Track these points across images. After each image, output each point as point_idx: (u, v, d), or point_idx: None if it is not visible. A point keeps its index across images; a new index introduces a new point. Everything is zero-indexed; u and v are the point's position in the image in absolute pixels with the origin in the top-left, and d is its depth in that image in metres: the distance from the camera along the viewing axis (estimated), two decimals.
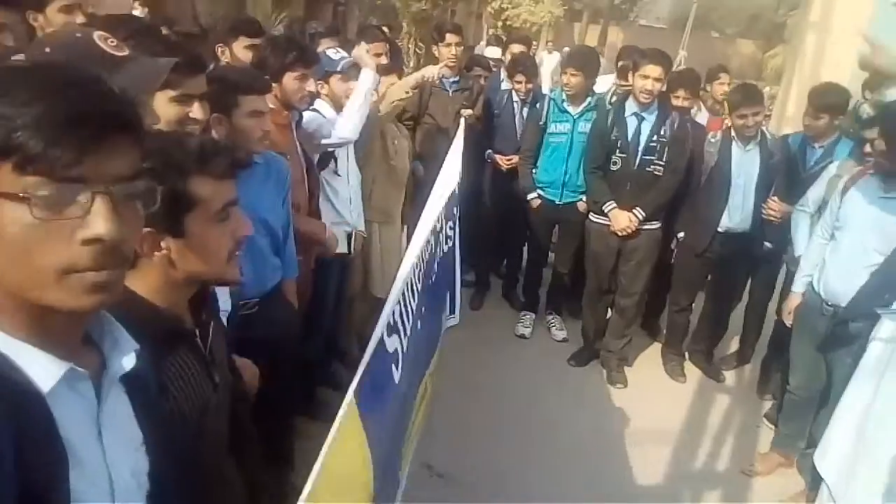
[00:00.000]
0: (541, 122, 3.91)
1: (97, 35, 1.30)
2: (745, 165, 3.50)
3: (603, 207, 3.57)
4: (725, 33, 33.83)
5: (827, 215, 2.85)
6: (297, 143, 2.58)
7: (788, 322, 3.01)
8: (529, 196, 4.01)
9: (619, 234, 3.54)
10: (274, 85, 2.42)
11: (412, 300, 2.03)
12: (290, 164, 2.35)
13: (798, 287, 2.96)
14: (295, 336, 2.38)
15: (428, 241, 2.03)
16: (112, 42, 1.32)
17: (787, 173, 3.48)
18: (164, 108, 1.56)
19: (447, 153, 3.12)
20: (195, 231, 1.07)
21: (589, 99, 3.81)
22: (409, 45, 11.99)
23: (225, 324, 1.80)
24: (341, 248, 2.91)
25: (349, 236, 2.99)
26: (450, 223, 2.89)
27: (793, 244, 3.16)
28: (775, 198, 3.42)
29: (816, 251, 2.86)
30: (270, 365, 1.80)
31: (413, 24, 12.85)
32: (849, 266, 2.61)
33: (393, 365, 1.52)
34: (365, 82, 2.80)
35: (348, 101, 2.80)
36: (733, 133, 3.50)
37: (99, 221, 0.64)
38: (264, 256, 2.15)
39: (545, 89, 5.73)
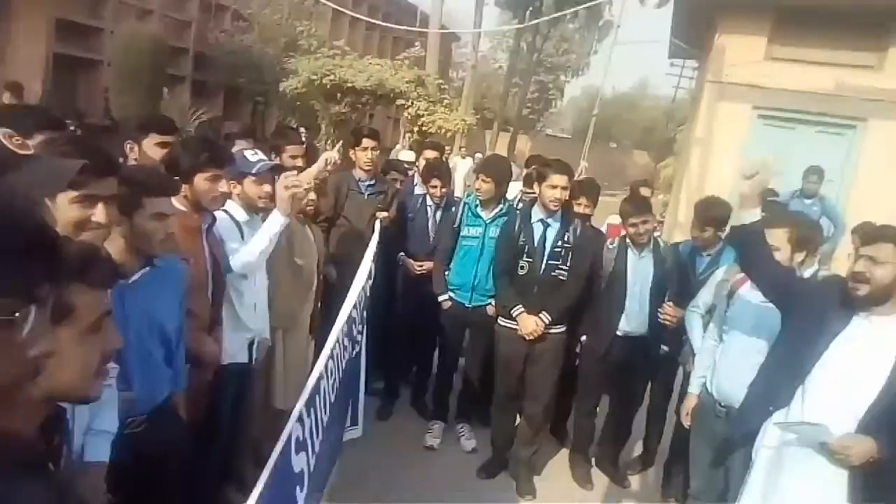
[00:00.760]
0: (455, 225, 4.03)
1: (0, 132, 1.26)
2: (640, 271, 3.71)
3: (511, 312, 3.66)
4: (623, 144, 36.92)
5: (716, 318, 3.05)
6: (206, 247, 2.52)
7: (686, 423, 3.11)
8: (441, 298, 4.05)
9: (527, 338, 3.62)
10: (184, 185, 2.39)
11: (323, 413, 1.95)
12: (193, 268, 2.28)
13: (693, 388, 3.09)
14: (185, 457, 2.19)
15: (337, 348, 1.99)
16: (17, 140, 1.28)
17: (680, 279, 3.71)
18: (64, 210, 1.48)
19: (362, 256, 3.15)
20: (65, 344, 1.00)
21: (501, 205, 3.99)
22: (327, 147, 12.24)
23: (108, 447, 1.67)
24: (241, 358, 2.79)
25: (250, 344, 2.86)
26: (358, 328, 2.87)
27: (688, 346, 3.34)
28: (670, 303, 3.63)
29: (708, 353, 3.03)
30: (156, 489, 1.65)
31: (332, 126, 13.18)
32: (737, 367, 2.75)
33: (298, 487, 1.42)
34: (273, 225, 2.75)
35: (253, 239, 2.74)
36: (628, 240, 3.74)
37: None
38: (157, 367, 2.03)
39: (458, 193, 5.94)
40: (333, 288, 3.70)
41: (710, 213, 3.68)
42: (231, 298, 2.74)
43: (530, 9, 25.80)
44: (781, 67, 7.55)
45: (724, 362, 2.88)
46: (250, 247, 2.72)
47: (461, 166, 12.38)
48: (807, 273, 3.30)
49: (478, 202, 3.98)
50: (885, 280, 2.10)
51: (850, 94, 7.28)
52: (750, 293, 2.78)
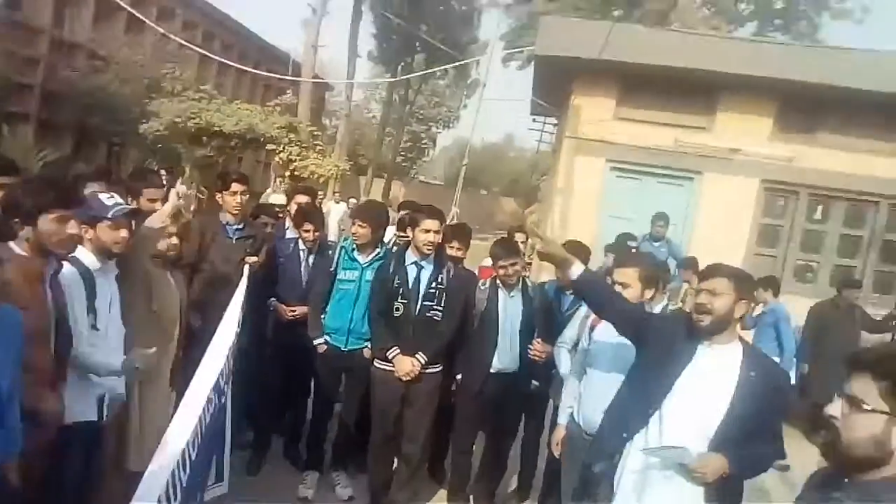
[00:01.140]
0: (331, 269, 3.98)
1: None
2: (511, 310, 3.85)
3: (387, 354, 3.65)
4: (492, 192, 38.57)
5: (579, 352, 3.24)
6: (49, 295, 2.29)
7: (557, 453, 3.23)
8: (316, 342, 3.96)
9: (404, 378, 3.62)
10: (27, 228, 2.20)
11: (182, 472, 1.82)
12: (33, 317, 2.07)
13: (562, 419, 3.23)
14: None
15: (202, 402, 1.88)
16: None
17: (547, 317, 3.90)
18: None
19: (228, 302, 3.00)
20: None
21: (378, 249, 4.00)
22: (191, 191, 11.70)
23: None
24: (90, 415, 2.55)
25: (101, 400, 2.62)
26: (224, 378, 2.72)
27: (558, 380, 3.49)
28: (538, 339, 3.79)
29: (574, 385, 3.19)
30: None
31: (196, 170, 12.63)
32: (599, 397, 2.89)
33: None
34: None
35: None
36: (499, 281, 3.89)
37: None
38: None
39: (332, 237, 5.88)
40: (197, 336, 3.48)
41: (578, 255, 3.93)
42: (79, 350, 2.50)
43: (402, 64, 26.75)
44: (629, 126, 8.34)
45: (587, 393, 3.05)
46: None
47: (335, 211, 12.34)
48: (657, 308, 3.60)
49: (354, 246, 3.98)
50: (723, 310, 2.33)
51: (688, 150, 8.18)
52: (608, 328, 2.96)
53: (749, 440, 2.28)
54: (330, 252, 4.14)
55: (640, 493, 2.40)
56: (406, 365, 3.60)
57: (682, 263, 6.37)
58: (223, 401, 2.64)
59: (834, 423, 1.46)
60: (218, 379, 2.51)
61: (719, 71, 7.68)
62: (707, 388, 2.33)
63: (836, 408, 1.48)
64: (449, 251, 4.00)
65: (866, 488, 1.42)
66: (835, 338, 6.11)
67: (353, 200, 13.76)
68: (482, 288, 3.92)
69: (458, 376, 3.88)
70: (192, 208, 3.28)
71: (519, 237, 4.96)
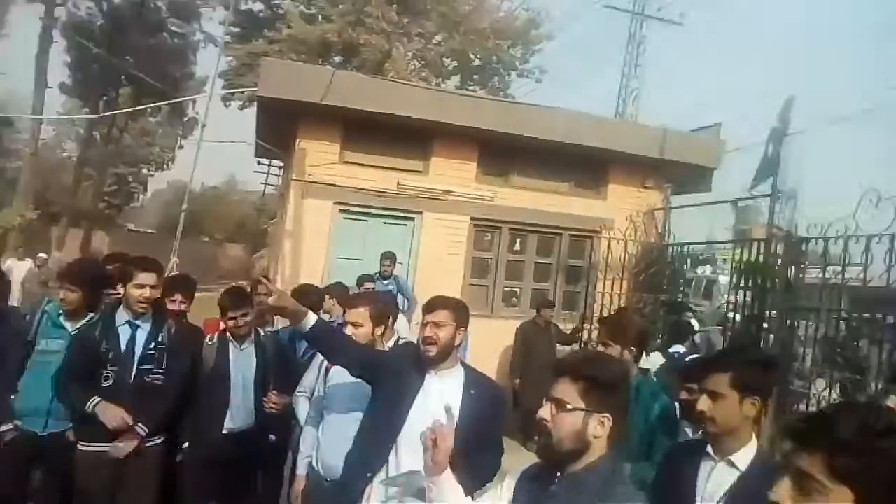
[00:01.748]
0: (29, 338, 3.40)
1: None
2: (242, 364, 3.65)
3: (88, 408, 3.11)
4: (214, 238, 36.47)
5: (315, 398, 3.20)
6: None
7: None
8: (2, 428, 3.27)
9: (111, 426, 3.12)
10: None
11: None
12: None
13: (301, 469, 3.14)
14: None
15: None
16: None
17: (282, 365, 3.78)
18: None
19: None
20: None
21: (92, 315, 3.47)
22: None
23: None
24: None
25: None
26: None
27: (298, 431, 3.38)
28: (274, 391, 3.64)
29: (311, 433, 3.13)
30: None
31: None
32: (338, 440, 2.89)
33: None
34: None
35: None
36: (229, 334, 3.66)
37: None
38: None
39: (14, 302, 4.96)
40: None
41: (306, 300, 3.89)
42: None
43: (105, 98, 23.95)
44: (354, 169, 8.64)
45: (326, 438, 3.01)
46: None
47: (18, 270, 10.46)
48: (389, 344, 3.75)
49: (60, 312, 3.41)
50: (446, 339, 2.52)
51: (409, 192, 8.77)
52: (342, 371, 2.97)
53: (476, 454, 2.48)
54: (27, 317, 3.54)
55: None
56: (114, 413, 3.11)
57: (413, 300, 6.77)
58: None
59: (545, 425, 1.67)
60: None
61: (432, 119, 8.43)
62: (436, 412, 2.49)
63: (545, 411, 1.69)
64: (171, 306, 3.66)
65: (573, 477, 1.65)
66: (538, 351, 7.07)
67: (42, 256, 11.84)
68: (210, 344, 3.66)
69: (185, 445, 3.53)
70: None
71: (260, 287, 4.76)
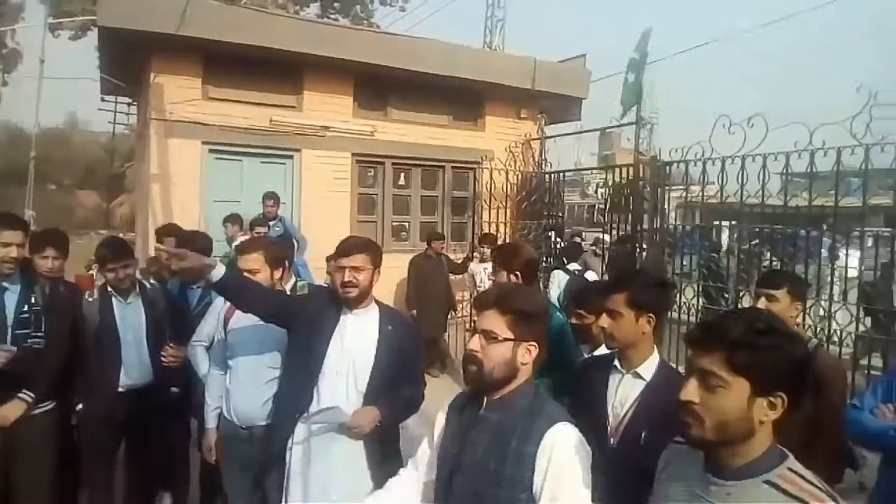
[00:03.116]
0: None
1: None
2: (131, 319, 3.44)
3: None
4: (64, 185, 33.03)
5: (217, 347, 3.10)
6: None
7: (211, 459, 3.07)
8: None
9: (2, 421, 2.91)
10: None
11: None
12: None
13: (210, 422, 3.07)
14: None
15: None
16: None
17: (175, 317, 3.60)
18: None
19: None
20: None
21: None
22: None
23: None
24: None
25: None
26: None
27: (202, 381, 3.27)
28: (171, 344, 3.48)
29: (217, 383, 3.06)
30: None
31: None
32: (249, 386, 2.89)
33: None
34: None
35: None
36: (110, 289, 3.42)
37: None
38: None
39: None
40: None
41: (190, 242, 3.72)
42: None
43: None
44: (221, 106, 8.07)
45: (235, 386, 2.96)
46: None
47: None
48: (287, 286, 3.68)
49: None
50: (366, 282, 2.54)
51: (284, 129, 8.38)
52: (243, 316, 2.90)
53: (396, 387, 2.56)
54: None
55: (308, 461, 2.50)
56: None
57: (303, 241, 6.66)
58: None
59: (476, 356, 1.75)
60: None
61: (300, 51, 8.00)
62: (354, 347, 2.54)
63: (475, 343, 1.77)
64: (43, 263, 3.33)
65: (503, 401, 1.77)
66: (431, 283, 7.24)
67: None
68: (90, 300, 3.39)
69: (79, 407, 3.31)
70: None
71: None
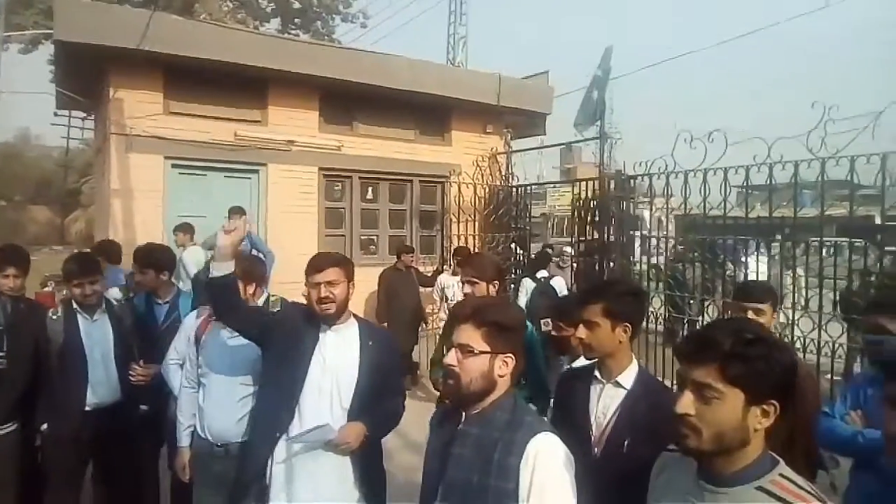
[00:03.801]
0: None
1: None
2: (97, 336, 3.35)
3: None
4: (14, 200, 31.94)
5: (190, 365, 3.03)
6: None
7: (185, 478, 2.99)
8: None
9: None
10: None
11: None
12: None
13: (183, 441, 2.99)
14: None
15: None
16: None
17: (143, 334, 3.52)
18: None
19: None
20: None
21: None
22: None
23: None
24: None
25: None
26: None
27: (174, 398, 3.19)
28: (140, 362, 3.39)
29: (189, 402, 2.99)
30: None
31: None
32: (224, 405, 2.82)
33: None
34: None
35: None
36: (76, 305, 3.32)
37: None
38: None
39: None
40: None
41: (152, 257, 3.72)
42: None
43: None
44: (183, 120, 7.94)
45: (209, 404, 2.89)
46: None
47: None
48: (260, 301, 3.62)
49: None
50: (342, 296, 2.52)
51: (248, 143, 8.28)
52: (220, 333, 2.86)
53: (378, 401, 2.54)
54: None
55: (291, 479, 2.44)
56: None
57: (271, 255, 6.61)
58: None
59: (453, 370, 1.75)
60: None
61: (262, 66, 7.94)
62: (336, 364, 2.50)
63: (451, 357, 1.77)
64: (3, 283, 3.21)
65: (481, 415, 1.77)
66: (401, 296, 7.21)
67: None
68: (54, 318, 3.29)
69: (43, 427, 3.18)
70: None
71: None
